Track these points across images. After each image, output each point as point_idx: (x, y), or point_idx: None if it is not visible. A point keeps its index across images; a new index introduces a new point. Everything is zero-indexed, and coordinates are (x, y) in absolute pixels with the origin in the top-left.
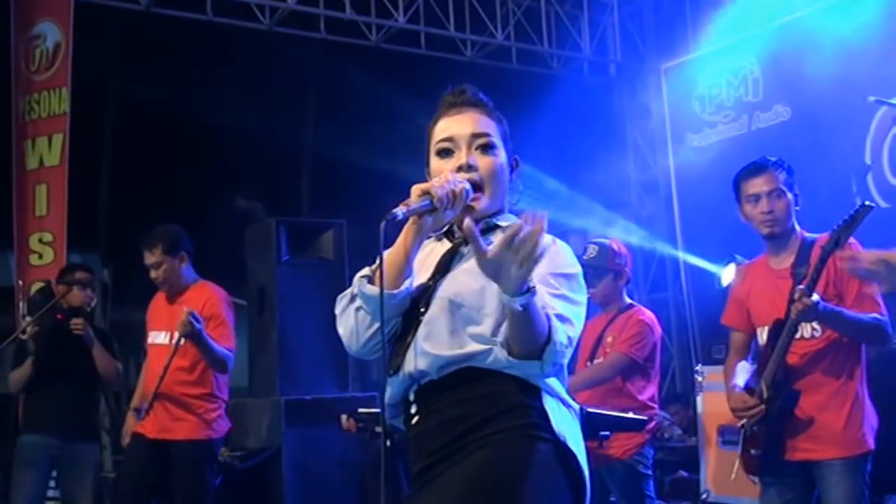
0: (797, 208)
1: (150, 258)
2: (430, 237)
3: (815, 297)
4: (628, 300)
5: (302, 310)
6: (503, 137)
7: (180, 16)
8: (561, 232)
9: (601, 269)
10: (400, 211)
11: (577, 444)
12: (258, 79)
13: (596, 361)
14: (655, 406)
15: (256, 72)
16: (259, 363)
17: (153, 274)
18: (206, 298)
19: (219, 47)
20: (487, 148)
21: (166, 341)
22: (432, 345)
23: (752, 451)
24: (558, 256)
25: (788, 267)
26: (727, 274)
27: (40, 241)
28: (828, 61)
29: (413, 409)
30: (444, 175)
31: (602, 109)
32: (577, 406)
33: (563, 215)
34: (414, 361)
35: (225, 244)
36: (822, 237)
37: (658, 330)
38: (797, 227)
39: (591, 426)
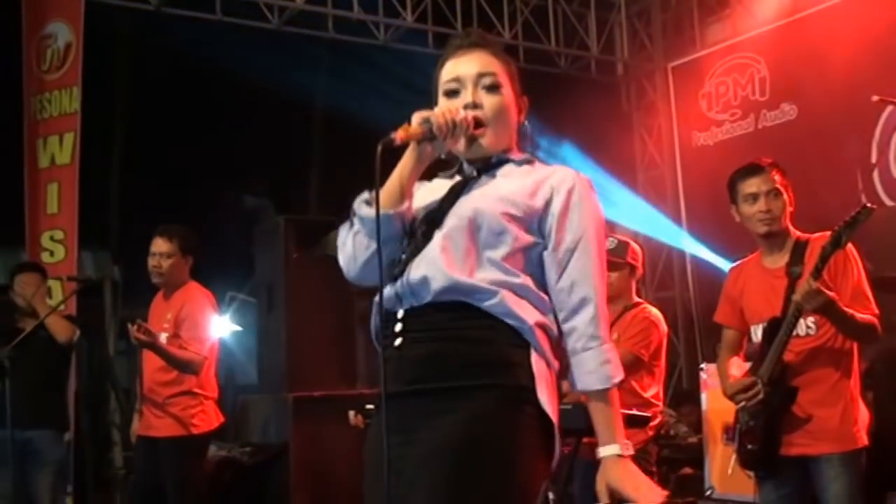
0: (791, 209)
1: (162, 246)
2: (439, 176)
3: (821, 287)
4: (636, 298)
5: (310, 307)
6: (510, 77)
7: (190, 15)
8: None
9: (619, 263)
10: (398, 134)
11: (554, 410)
12: (267, 78)
13: None
14: (659, 403)
15: (265, 71)
16: (267, 360)
17: (156, 262)
18: (186, 300)
19: (228, 47)
20: (493, 87)
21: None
22: (445, 259)
23: (749, 446)
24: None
25: (783, 266)
26: None
27: (52, 238)
28: (834, 60)
29: (398, 328)
30: (447, 103)
31: (609, 108)
32: (556, 366)
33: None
34: (419, 269)
35: (234, 242)
36: (817, 237)
37: (664, 328)
38: (791, 228)
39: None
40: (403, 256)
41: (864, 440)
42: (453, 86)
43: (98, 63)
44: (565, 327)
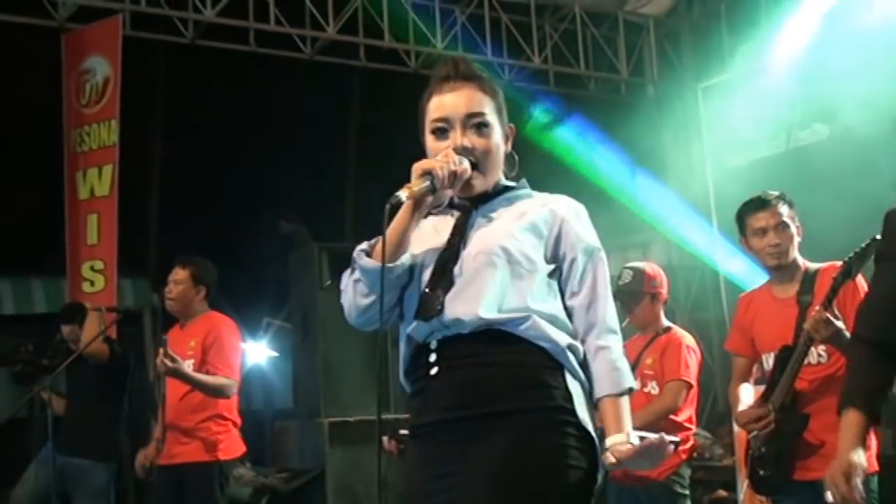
0: (798, 239)
1: (177, 274)
2: (431, 213)
3: (829, 316)
4: (666, 322)
5: (344, 333)
6: (498, 112)
7: (224, 47)
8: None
9: (637, 293)
10: (403, 194)
11: (594, 427)
12: (301, 107)
13: (645, 390)
14: (693, 427)
15: (300, 100)
16: (303, 386)
17: (168, 288)
18: (210, 327)
19: (262, 77)
20: (482, 127)
21: None
22: (476, 296)
23: (761, 472)
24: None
25: (794, 295)
26: None
27: (92, 268)
28: (865, 79)
29: (432, 359)
30: (444, 154)
31: (640, 130)
32: (587, 385)
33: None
34: (453, 308)
35: (270, 268)
36: (826, 266)
37: (698, 350)
38: (799, 258)
39: None
40: (426, 290)
41: (874, 465)
42: (441, 125)
43: (135, 95)
44: (581, 341)
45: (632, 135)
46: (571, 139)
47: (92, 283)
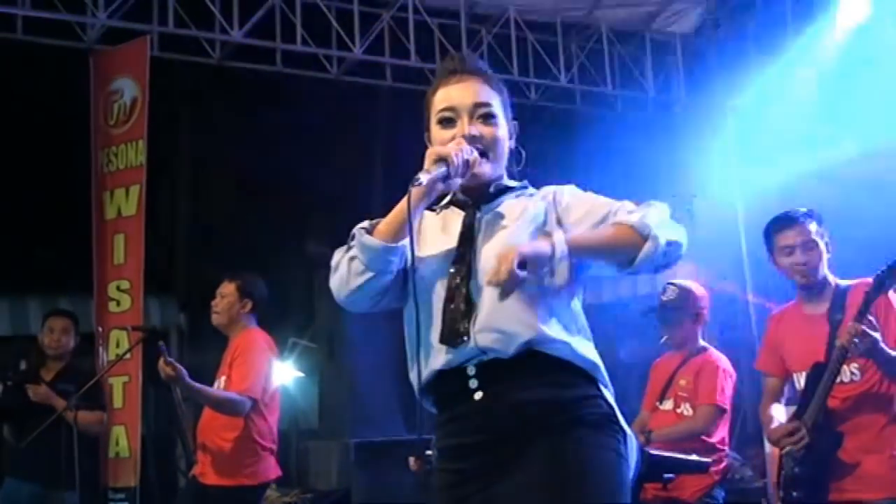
0: (828, 255)
1: (224, 288)
2: (433, 210)
3: (867, 329)
4: (702, 342)
5: (370, 353)
6: (503, 106)
7: (251, 67)
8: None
9: (681, 310)
10: (424, 177)
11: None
12: (327, 127)
13: (678, 410)
14: (725, 448)
15: (326, 120)
16: (329, 406)
17: (215, 302)
18: (241, 342)
19: (289, 98)
20: (489, 117)
21: (216, 387)
22: (504, 322)
23: (794, 494)
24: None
25: (824, 313)
26: None
27: (118, 288)
28: (894, 96)
29: (474, 385)
30: (456, 141)
31: (668, 148)
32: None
33: None
34: (486, 334)
35: (297, 288)
36: (856, 283)
37: (733, 374)
38: (829, 275)
39: (655, 468)
40: (447, 315)
41: None
42: (448, 115)
43: (163, 115)
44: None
45: (659, 153)
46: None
47: (118, 303)
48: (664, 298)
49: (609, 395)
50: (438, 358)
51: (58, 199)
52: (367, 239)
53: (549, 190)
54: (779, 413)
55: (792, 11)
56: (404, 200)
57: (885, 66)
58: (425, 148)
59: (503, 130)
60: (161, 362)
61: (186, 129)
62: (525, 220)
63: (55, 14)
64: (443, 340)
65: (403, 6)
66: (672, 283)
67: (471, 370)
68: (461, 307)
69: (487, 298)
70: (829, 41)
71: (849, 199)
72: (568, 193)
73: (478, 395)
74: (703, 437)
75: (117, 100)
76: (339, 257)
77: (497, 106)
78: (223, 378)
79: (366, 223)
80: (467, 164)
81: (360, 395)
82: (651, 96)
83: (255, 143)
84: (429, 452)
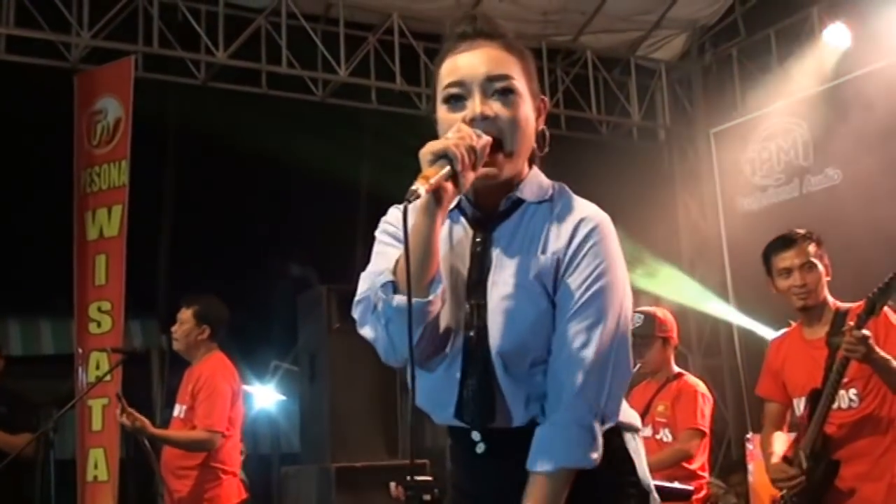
0: (828, 279)
1: (182, 314)
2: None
3: (866, 331)
4: (676, 368)
5: (352, 376)
6: (527, 76)
7: (236, 89)
8: None
9: (648, 337)
10: (421, 187)
11: (651, 483)
12: (313, 149)
13: (657, 437)
14: (705, 475)
15: (311, 142)
16: (310, 430)
17: (174, 328)
18: (204, 370)
19: (274, 119)
20: (507, 92)
21: (177, 414)
22: (513, 398)
23: None
24: None
25: (823, 337)
26: None
27: (99, 309)
28: (878, 123)
29: (476, 437)
30: (456, 128)
31: (652, 174)
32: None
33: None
34: (496, 408)
35: (280, 311)
36: (856, 306)
37: (711, 398)
38: (830, 298)
39: None
40: (466, 381)
41: None
42: (455, 90)
43: (148, 136)
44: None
45: (643, 179)
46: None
47: (99, 324)
48: (631, 327)
49: (627, 434)
50: (447, 419)
51: (39, 219)
52: (398, 301)
53: (576, 216)
54: (780, 443)
55: (776, 39)
56: (416, 224)
57: (868, 92)
58: (410, 171)
59: (526, 109)
60: (122, 415)
61: (171, 151)
62: (540, 269)
63: (39, 33)
64: (456, 415)
65: (389, 29)
66: (638, 311)
67: (475, 436)
68: (470, 372)
69: (496, 364)
70: (813, 68)
71: (832, 226)
72: (590, 243)
73: (479, 450)
74: (684, 464)
75: (100, 120)
76: (368, 319)
77: (518, 78)
78: (184, 407)
79: (388, 274)
80: (475, 153)
81: (340, 419)
82: (636, 122)
83: (240, 165)
84: (411, 479)
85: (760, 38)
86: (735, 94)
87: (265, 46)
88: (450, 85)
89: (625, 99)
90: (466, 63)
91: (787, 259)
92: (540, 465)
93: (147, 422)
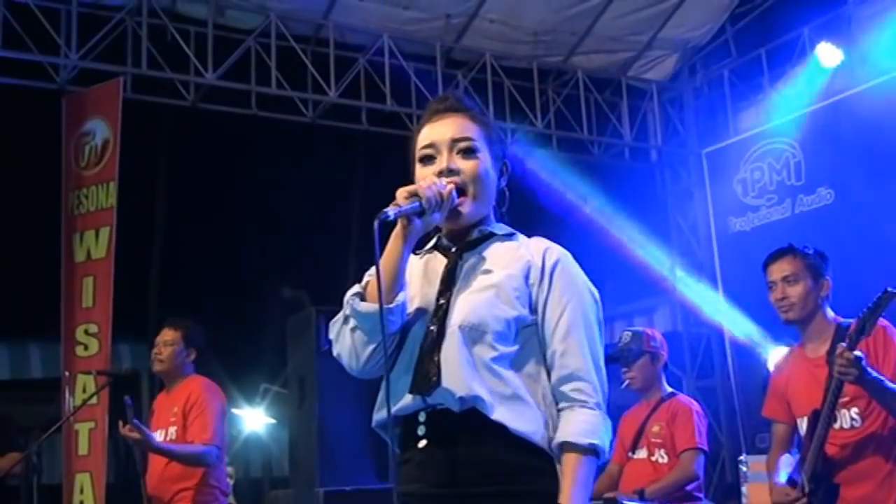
0: (824, 294)
1: (167, 335)
2: (417, 254)
3: (858, 353)
4: (668, 388)
5: (342, 399)
6: (488, 141)
7: (225, 111)
8: (607, 318)
9: (636, 351)
10: (391, 211)
11: None
12: (304, 170)
13: (653, 458)
14: (701, 496)
15: (302, 164)
16: (299, 454)
17: (158, 349)
18: (192, 390)
19: (264, 141)
20: (469, 152)
21: (162, 440)
22: (451, 378)
23: None
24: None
25: (824, 355)
26: (775, 358)
27: (86, 332)
28: (869, 143)
29: (420, 432)
30: (428, 178)
31: (644, 194)
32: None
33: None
34: (441, 384)
35: (270, 333)
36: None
37: (705, 416)
38: (829, 314)
39: None
40: (420, 365)
41: None
42: (428, 151)
43: (137, 158)
44: (554, 387)
45: (635, 199)
46: (574, 203)
47: (86, 347)
48: (621, 344)
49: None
50: (400, 403)
51: (26, 241)
52: (363, 307)
53: (540, 246)
54: (786, 465)
55: (767, 59)
56: (389, 249)
57: (860, 112)
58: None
59: (487, 165)
60: (124, 428)
61: (161, 173)
62: (509, 275)
63: (27, 55)
64: (411, 390)
65: (379, 50)
66: (627, 330)
67: (421, 417)
68: (431, 358)
69: (447, 352)
70: (804, 88)
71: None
72: (559, 270)
73: (421, 444)
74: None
75: (88, 141)
76: (339, 328)
77: (479, 140)
78: (173, 429)
79: (357, 287)
80: (441, 198)
81: (330, 443)
82: (627, 142)
83: (230, 187)
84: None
85: (751, 58)
86: (727, 115)
87: (255, 68)
88: (423, 147)
89: (616, 119)
90: (437, 130)
91: (771, 272)
92: (585, 437)
93: (149, 434)
